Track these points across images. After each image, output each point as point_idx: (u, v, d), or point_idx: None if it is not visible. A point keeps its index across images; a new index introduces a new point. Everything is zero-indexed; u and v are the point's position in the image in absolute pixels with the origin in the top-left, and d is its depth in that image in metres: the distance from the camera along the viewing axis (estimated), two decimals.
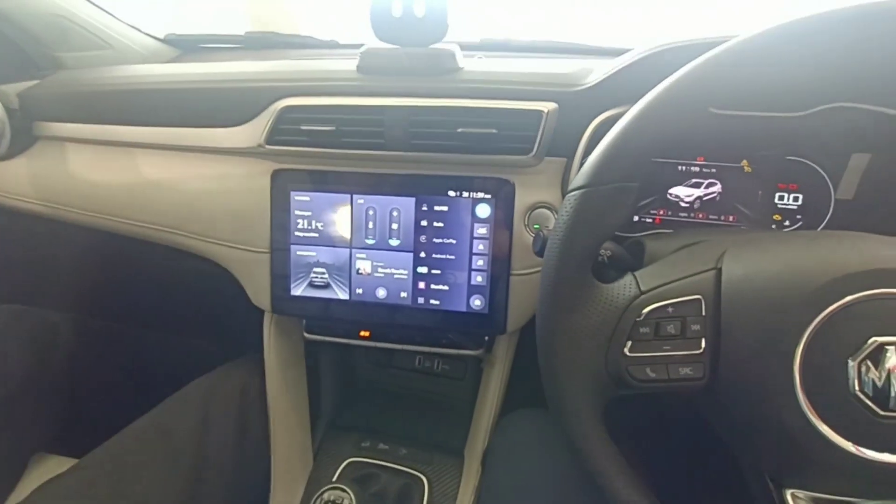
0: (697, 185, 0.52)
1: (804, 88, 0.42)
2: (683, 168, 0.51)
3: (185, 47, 0.87)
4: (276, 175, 0.51)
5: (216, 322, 0.62)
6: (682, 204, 0.52)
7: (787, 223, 0.50)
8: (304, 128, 0.49)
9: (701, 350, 0.28)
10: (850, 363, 0.25)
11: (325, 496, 0.40)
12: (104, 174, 0.57)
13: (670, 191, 0.51)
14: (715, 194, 0.51)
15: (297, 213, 0.50)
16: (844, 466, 0.25)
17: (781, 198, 0.49)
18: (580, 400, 0.28)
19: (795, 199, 0.49)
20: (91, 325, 0.60)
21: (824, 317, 0.25)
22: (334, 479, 0.54)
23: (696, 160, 0.51)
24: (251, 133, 0.51)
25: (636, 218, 0.53)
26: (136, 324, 0.66)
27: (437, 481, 0.59)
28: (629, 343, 0.28)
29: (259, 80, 0.52)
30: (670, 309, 0.28)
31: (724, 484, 0.37)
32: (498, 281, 0.48)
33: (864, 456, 0.25)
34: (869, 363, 0.24)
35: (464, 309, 0.49)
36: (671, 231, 0.48)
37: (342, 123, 0.48)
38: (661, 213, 0.52)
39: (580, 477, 0.29)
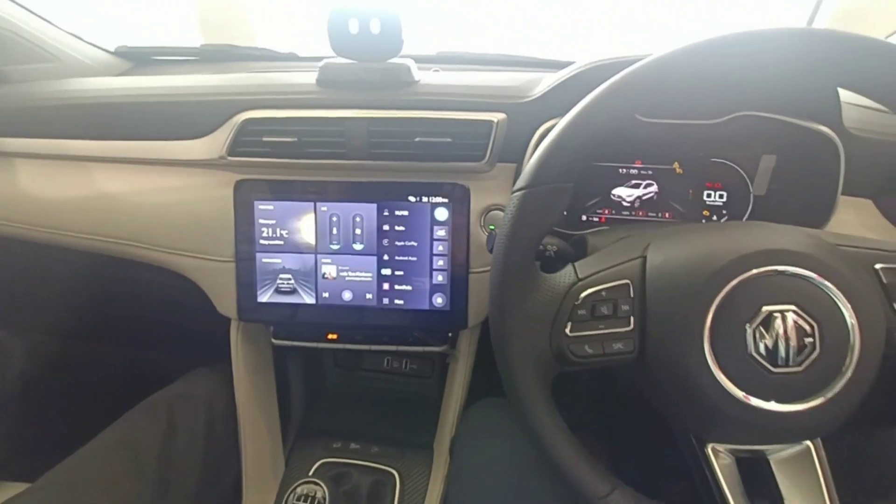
0: (637, 186, 0.57)
1: (713, 100, 0.47)
2: (624, 171, 0.56)
3: (137, 60, 0.85)
4: (239, 185, 0.52)
5: (180, 332, 0.62)
6: (625, 203, 0.57)
7: (714, 218, 0.56)
8: (265, 139, 0.50)
9: (631, 327, 0.32)
10: (748, 329, 0.29)
11: (299, 490, 0.42)
12: (58, 189, 0.56)
13: (613, 192, 0.56)
14: (652, 194, 0.56)
15: (261, 221, 0.51)
16: (749, 418, 0.29)
17: (709, 195, 0.55)
18: (529, 376, 0.31)
19: (721, 196, 0.55)
20: (48, 344, 0.58)
21: (726, 292, 0.30)
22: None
23: (634, 163, 0.56)
24: (212, 145, 0.52)
25: (584, 217, 0.58)
26: (96, 339, 0.64)
27: (408, 475, 0.61)
28: (569, 324, 0.32)
29: (219, 93, 0.53)
30: (604, 293, 0.32)
31: (663, 446, 0.42)
32: (458, 279, 0.51)
33: (763, 407, 0.29)
34: (762, 328, 0.29)
35: (427, 307, 0.52)
36: (603, 229, 0.53)
37: (304, 135, 0.50)
38: (606, 212, 0.57)
39: (539, 457, 0.32)
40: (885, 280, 0.30)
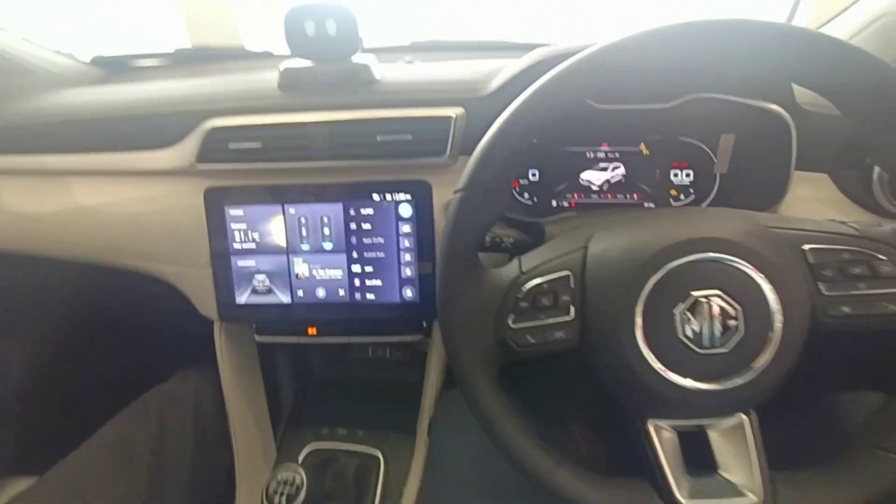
0: (604, 169, 0.57)
1: (661, 85, 0.48)
2: (591, 154, 0.57)
3: (113, 68, 0.86)
4: (208, 193, 0.54)
5: (167, 335, 0.65)
6: (593, 187, 0.58)
7: (681, 197, 0.57)
8: (231, 146, 0.52)
9: (571, 317, 0.34)
10: (676, 314, 0.31)
11: (279, 477, 0.45)
12: (34, 205, 0.58)
13: (582, 176, 0.57)
14: (620, 176, 0.57)
15: (233, 226, 0.53)
16: (680, 397, 0.31)
17: (676, 175, 0.56)
18: (476, 367, 0.33)
19: (687, 175, 0.56)
20: (42, 352, 0.61)
21: (656, 280, 0.31)
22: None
23: (601, 146, 0.57)
24: (181, 154, 0.53)
25: (554, 203, 0.59)
26: (87, 346, 0.67)
27: (392, 457, 0.65)
28: (512, 316, 0.33)
29: (184, 102, 0.54)
30: (545, 285, 0.34)
31: (610, 425, 0.44)
32: (426, 272, 0.53)
33: (692, 387, 0.31)
34: (688, 313, 0.31)
35: (398, 300, 0.54)
36: (570, 215, 0.54)
37: (268, 140, 0.51)
38: (576, 196, 0.58)
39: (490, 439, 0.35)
40: (811, 260, 0.32)
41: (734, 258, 0.31)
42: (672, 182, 0.56)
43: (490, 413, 0.34)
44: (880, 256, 0.31)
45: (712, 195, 0.55)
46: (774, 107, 0.46)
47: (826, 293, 0.31)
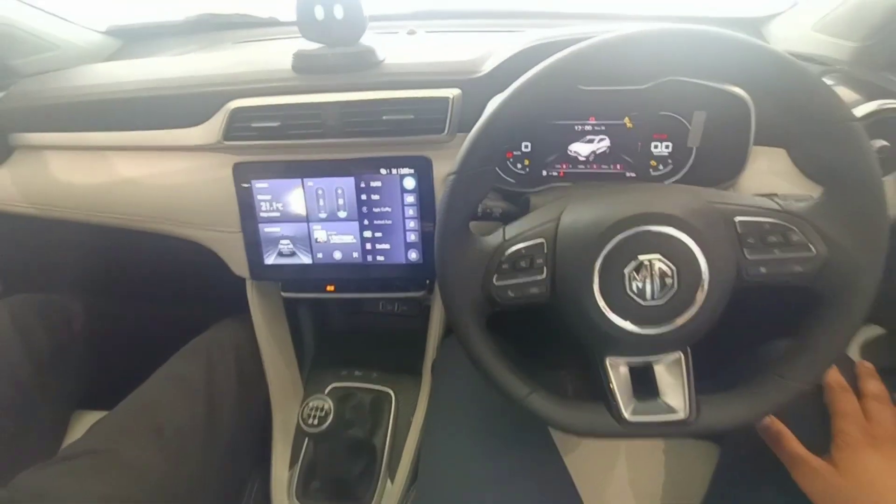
0: (591, 141, 0.62)
1: (636, 71, 0.52)
2: (579, 128, 0.61)
3: (127, 37, 0.90)
4: (236, 168, 0.61)
5: (208, 290, 0.74)
6: (581, 158, 0.62)
7: (661, 167, 0.62)
8: (254, 125, 0.58)
9: (544, 276, 0.41)
10: (625, 273, 0.38)
11: (311, 404, 0.55)
12: (82, 176, 0.65)
13: (570, 148, 0.61)
14: (605, 148, 0.62)
15: (259, 197, 0.61)
16: (629, 339, 0.39)
17: (656, 147, 0.60)
18: (467, 316, 0.42)
19: (667, 147, 0.60)
20: (101, 304, 0.71)
21: (610, 247, 0.38)
22: None
23: (588, 120, 0.62)
24: (209, 132, 0.59)
25: (544, 173, 0.64)
26: (140, 299, 0.77)
27: (401, 393, 0.76)
28: (496, 275, 0.41)
29: (211, 84, 0.60)
30: (523, 250, 0.41)
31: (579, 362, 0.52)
32: (427, 237, 0.61)
33: (637, 331, 0.39)
34: (635, 273, 0.38)
35: (404, 261, 0.62)
36: (552, 186, 0.60)
37: (285, 119, 0.57)
38: (564, 167, 0.63)
39: (477, 371, 0.43)
40: (739, 230, 0.39)
41: (672, 229, 0.38)
42: (652, 153, 0.61)
43: (479, 353, 0.42)
44: (793, 227, 0.38)
45: (687, 166, 0.60)
46: (736, 89, 0.52)
47: (748, 257, 0.39)
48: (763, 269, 0.39)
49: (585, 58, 0.37)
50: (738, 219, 0.39)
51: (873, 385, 0.46)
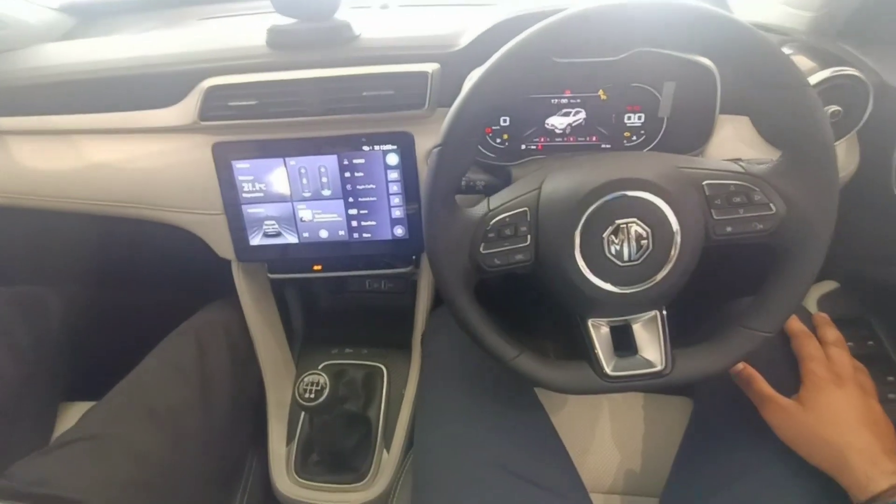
0: (567, 115, 0.64)
1: (609, 42, 0.54)
2: (556, 101, 0.63)
3: (82, 14, 0.85)
4: (216, 148, 0.60)
5: (193, 274, 0.73)
6: (557, 131, 0.63)
7: (634, 138, 0.64)
8: (230, 104, 0.57)
9: (528, 243, 0.43)
10: (604, 237, 0.41)
11: (307, 380, 0.56)
12: (50, 162, 0.62)
13: (547, 121, 0.62)
14: (581, 120, 0.63)
15: (240, 178, 0.60)
16: (609, 300, 0.42)
17: (629, 118, 0.62)
18: (455, 284, 0.43)
19: (639, 118, 0.62)
20: (81, 294, 0.70)
21: (589, 212, 0.40)
22: None
23: (564, 93, 0.63)
24: (184, 111, 0.58)
25: (523, 146, 0.65)
26: (122, 287, 0.76)
27: (393, 368, 0.78)
28: (482, 244, 0.43)
29: (183, 61, 0.58)
30: (508, 219, 0.43)
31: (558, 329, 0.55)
32: (413, 212, 0.62)
33: (616, 291, 0.42)
34: (613, 236, 0.41)
35: (390, 237, 0.63)
36: (531, 159, 0.62)
37: (263, 97, 0.56)
38: (542, 140, 0.64)
39: (466, 335, 0.45)
40: (707, 193, 0.42)
41: (647, 193, 0.40)
42: (626, 125, 0.62)
43: (469, 318, 0.44)
44: (755, 188, 0.41)
45: (659, 136, 0.62)
46: (703, 60, 0.54)
47: (715, 217, 0.41)
48: (729, 228, 0.41)
49: (558, 30, 0.38)
50: (706, 182, 0.42)
51: (831, 333, 0.51)
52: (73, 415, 0.67)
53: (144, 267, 0.78)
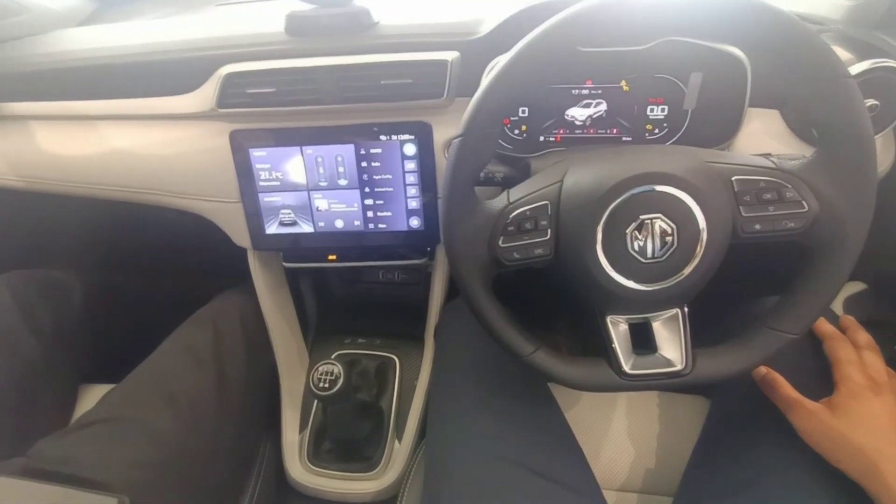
0: (588, 106, 0.62)
1: (636, 31, 0.52)
2: (576, 92, 0.61)
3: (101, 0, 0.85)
4: (233, 135, 0.59)
5: (210, 261, 0.74)
6: (577, 123, 0.62)
7: (656, 131, 0.62)
8: (248, 91, 0.56)
9: (548, 237, 0.42)
10: (627, 233, 0.40)
11: (321, 369, 0.57)
12: (70, 147, 0.63)
13: (567, 112, 0.61)
14: (602, 112, 0.62)
15: (257, 166, 0.60)
16: (630, 296, 0.41)
17: (652, 110, 0.60)
18: (473, 278, 0.43)
19: (662, 110, 0.60)
20: (98, 277, 0.71)
21: (612, 207, 0.39)
22: None
23: (585, 84, 0.61)
24: (203, 98, 0.58)
25: (541, 138, 0.64)
26: (139, 271, 0.77)
27: (405, 359, 0.78)
28: (501, 237, 0.42)
29: (202, 48, 0.58)
30: (528, 212, 0.42)
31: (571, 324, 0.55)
32: (429, 203, 0.61)
33: (638, 288, 0.41)
34: (636, 232, 0.40)
35: (405, 228, 0.63)
36: (551, 151, 0.61)
37: (281, 84, 0.56)
38: (561, 132, 0.63)
39: (482, 329, 0.45)
40: (735, 188, 0.40)
41: (673, 188, 0.39)
42: (648, 117, 0.61)
43: (486, 312, 0.44)
44: (787, 185, 0.39)
45: (683, 129, 0.61)
46: (734, 49, 0.52)
47: (744, 214, 0.40)
48: (758, 226, 0.40)
49: (588, 18, 0.37)
50: (735, 178, 0.40)
51: (862, 336, 0.49)
52: (92, 397, 0.69)
53: (163, 253, 0.79)
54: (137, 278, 0.77)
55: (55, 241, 0.77)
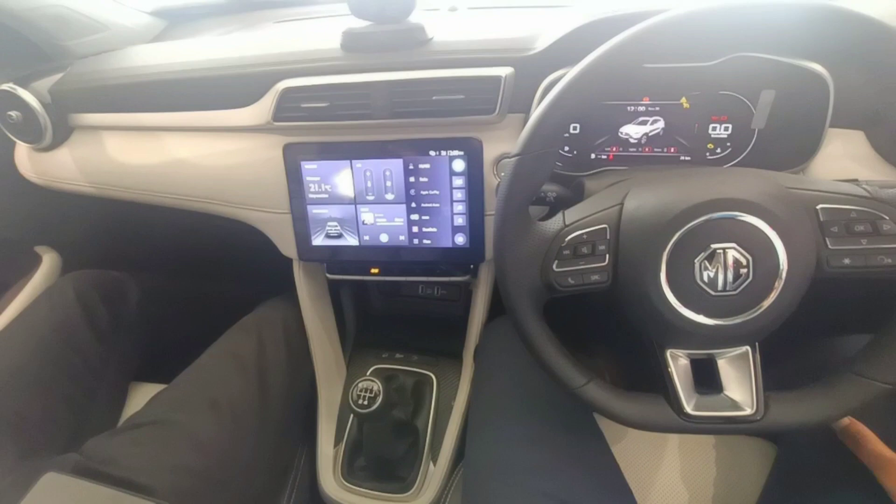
0: (644, 123, 0.59)
1: (707, 46, 0.50)
2: (632, 108, 0.59)
3: (172, 18, 0.91)
4: (286, 148, 0.61)
5: (256, 270, 0.76)
6: (632, 140, 0.60)
7: (718, 150, 0.59)
8: (303, 105, 0.58)
9: (605, 263, 0.40)
10: (696, 262, 0.37)
11: (360, 385, 0.56)
12: (137, 156, 0.67)
13: (621, 130, 0.59)
14: (659, 129, 0.59)
15: (308, 179, 0.61)
16: (695, 330, 0.38)
17: (714, 129, 0.57)
18: (523, 303, 0.41)
19: (726, 128, 0.57)
20: (153, 280, 0.74)
21: (679, 234, 0.37)
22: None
23: (642, 101, 0.59)
24: (259, 112, 0.60)
25: (593, 156, 0.62)
26: (192, 277, 0.80)
27: (442, 377, 0.76)
28: (556, 262, 0.40)
29: (260, 64, 0.60)
30: (585, 236, 0.40)
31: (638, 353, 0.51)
32: (475, 221, 0.60)
33: (705, 322, 0.38)
34: (706, 262, 0.37)
35: (450, 245, 0.61)
36: (606, 169, 0.58)
37: (334, 99, 0.57)
38: (614, 150, 0.61)
39: (533, 359, 0.43)
40: (822, 218, 0.36)
41: (749, 215, 0.36)
42: (710, 136, 0.57)
43: (536, 339, 0.42)
44: (883, 216, 0.35)
45: (748, 149, 0.57)
46: (815, 65, 0.48)
47: (831, 247, 0.36)
48: (847, 261, 0.36)
49: (660, 33, 0.35)
50: (820, 206, 0.37)
51: None
52: (142, 394, 0.71)
53: (211, 260, 0.81)
54: (188, 283, 0.80)
55: (118, 243, 0.81)
